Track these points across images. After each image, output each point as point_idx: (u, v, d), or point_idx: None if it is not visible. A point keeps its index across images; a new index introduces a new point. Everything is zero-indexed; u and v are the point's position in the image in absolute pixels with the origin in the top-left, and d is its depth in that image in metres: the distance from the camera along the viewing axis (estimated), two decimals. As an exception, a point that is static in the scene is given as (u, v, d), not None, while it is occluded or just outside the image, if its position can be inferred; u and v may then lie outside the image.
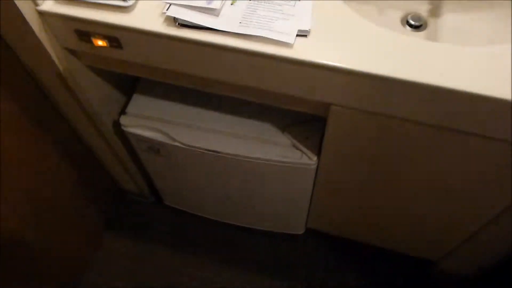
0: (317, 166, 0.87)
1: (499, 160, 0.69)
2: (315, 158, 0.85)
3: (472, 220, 0.88)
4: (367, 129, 0.73)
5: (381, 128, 0.71)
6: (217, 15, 0.63)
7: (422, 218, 0.95)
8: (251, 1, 0.65)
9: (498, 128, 0.61)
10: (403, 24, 0.79)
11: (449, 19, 0.79)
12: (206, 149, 0.90)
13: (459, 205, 0.86)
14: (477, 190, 0.79)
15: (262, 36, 0.61)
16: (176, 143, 0.92)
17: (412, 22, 0.78)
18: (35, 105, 0.87)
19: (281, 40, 0.60)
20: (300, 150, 0.86)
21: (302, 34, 0.61)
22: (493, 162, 0.70)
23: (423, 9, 0.81)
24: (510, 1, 0.72)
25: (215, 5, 0.63)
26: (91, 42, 0.72)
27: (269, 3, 0.64)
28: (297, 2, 0.64)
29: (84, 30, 0.70)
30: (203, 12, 0.63)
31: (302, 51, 0.60)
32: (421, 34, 0.78)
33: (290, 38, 0.60)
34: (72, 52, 0.78)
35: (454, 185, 0.80)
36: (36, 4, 0.67)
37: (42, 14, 0.69)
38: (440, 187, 0.82)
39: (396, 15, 0.80)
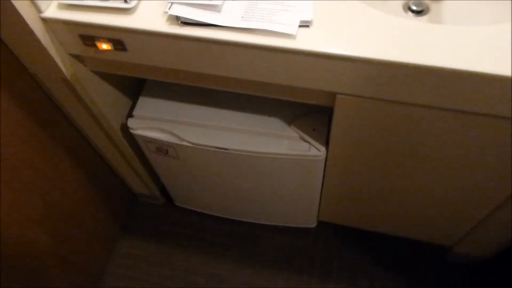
0: (326, 157, 0.87)
1: (507, 139, 0.69)
2: (323, 149, 0.85)
3: (484, 202, 0.88)
4: (374, 116, 0.73)
5: (389, 114, 0.71)
6: (219, 11, 0.64)
7: (434, 203, 0.95)
8: (252, -5, 0.65)
9: (506, 106, 0.61)
10: (405, 10, 0.79)
11: (451, 2, 0.78)
12: (214, 147, 0.91)
13: (470, 187, 0.85)
14: (487, 171, 0.79)
15: (264, 29, 0.61)
16: (184, 143, 0.92)
17: (414, 8, 0.78)
18: (43, 111, 0.88)
19: (283, 31, 0.60)
20: (308, 142, 0.86)
21: (304, 24, 0.61)
22: (502, 141, 0.70)
23: (424, -6, 0.81)
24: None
25: (216, 1, 0.63)
26: (95, 46, 0.72)
27: (270, -4, 0.64)
28: (298, -7, 0.64)
29: (88, 35, 0.70)
30: (205, 9, 0.64)
31: (305, 41, 0.60)
32: (423, 18, 0.78)
33: (293, 29, 0.60)
34: (78, 57, 0.79)
35: (464, 167, 0.80)
36: (40, 11, 0.68)
37: (46, 21, 0.69)
38: (450, 170, 0.82)
39: (397, 2, 0.80)
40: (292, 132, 0.88)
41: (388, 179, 0.91)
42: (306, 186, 1.00)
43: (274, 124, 0.89)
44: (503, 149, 0.71)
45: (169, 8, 0.64)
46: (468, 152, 0.76)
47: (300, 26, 0.61)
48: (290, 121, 0.89)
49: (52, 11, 0.69)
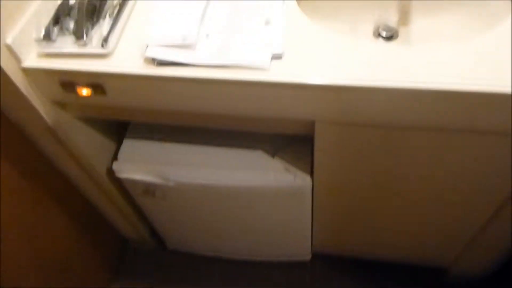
0: (312, 186, 0.87)
1: (490, 153, 0.70)
2: (308, 178, 0.86)
3: (474, 218, 0.87)
4: (355, 141, 0.73)
5: (369, 138, 0.72)
6: (194, 50, 0.66)
7: (425, 220, 0.94)
8: (224, 33, 0.67)
9: (483, 121, 0.62)
10: (375, 36, 0.82)
11: (418, 25, 0.82)
12: (200, 185, 0.91)
13: (459, 204, 0.85)
14: (474, 186, 0.79)
15: (238, 64, 0.63)
16: (170, 183, 0.92)
17: (384, 33, 0.81)
18: (28, 159, 0.88)
19: (256, 65, 0.62)
20: (293, 173, 0.87)
21: (276, 57, 0.63)
22: (484, 155, 0.71)
23: (392, 20, 0.84)
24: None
25: (190, 40, 0.65)
26: (76, 92, 0.73)
27: (241, 32, 0.67)
28: (268, 27, 0.66)
29: (68, 81, 0.72)
30: (180, 49, 0.66)
31: (278, 73, 0.62)
32: (394, 43, 0.81)
33: (265, 62, 0.62)
34: (59, 104, 0.80)
35: (451, 184, 0.80)
36: (20, 62, 0.70)
37: (26, 71, 0.71)
38: (438, 187, 0.82)
39: (367, 29, 0.83)
40: (277, 164, 0.88)
41: (377, 201, 0.91)
42: (296, 216, 0.99)
43: (258, 157, 0.90)
44: (486, 162, 0.72)
45: (145, 51, 0.66)
46: (453, 169, 0.76)
47: (272, 58, 0.63)
48: (274, 153, 0.89)
49: (32, 61, 0.70)
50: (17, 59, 0.69)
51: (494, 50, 0.60)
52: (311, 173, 0.86)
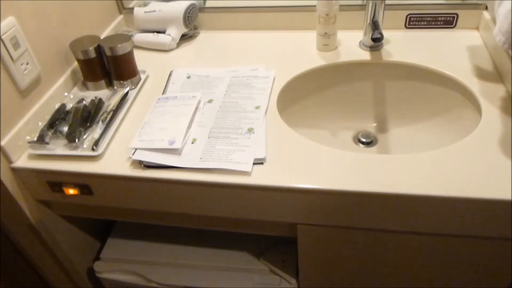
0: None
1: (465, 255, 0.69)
2: (293, 281, 0.83)
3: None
4: (338, 242, 0.73)
5: (351, 240, 0.72)
6: (180, 154, 0.68)
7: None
8: (209, 138, 0.71)
9: (459, 225, 0.63)
10: (355, 142, 0.87)
11: (395, 133, 0.87)
12: (183, 287, 0.88)
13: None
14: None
15: (221, 168, 0.65)
16: (152, 284, 0.89)
17: (363, 140, 0.86)
18: (4, 257, 0.86)
19: (239, 169, 0.64)
20: (278, 275, 0.84)
21: (258, 162, 0.66)
22: (456, 257, 0.70)
23: (371, 127, 0.89)
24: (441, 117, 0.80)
25: (177, 145, 0.69)
26: (62, 192, 0.75)
27: (226, 138, 0.70)
28: (252, 134, 0.70)
29: (56, 181, 0.73)
30: (166, 153, 0.69)
31: (260, 177, 0.64)
32: (373, 149, 0.85)
33: (247, 167, 0.65)
34: (44, 202, 0.81)
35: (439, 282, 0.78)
36: (10, 162, 0.72)
37: (16, 170, 0.73)
38: (423, 275, 0.79)
39: (347, 135, 0.88)
40: (262, 266, 0.86)
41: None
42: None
43: (242, 259, 0.88)
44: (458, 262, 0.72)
45: (133, 154, 0.69)
46: (440, 268, 0.75)
47: (254, 163, 0.66)
48: (258, 255, 0.88)
49: (22, 161, 0.73)
50: (8, 159, 0.71)
51: (464, 159, 0.64)
52: (297, 275, 0.84)
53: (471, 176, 0.61)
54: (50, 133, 0.74)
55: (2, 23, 0.69)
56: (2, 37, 0.68)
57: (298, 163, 0.66)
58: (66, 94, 0.84)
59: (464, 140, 0.67)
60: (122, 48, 0.82)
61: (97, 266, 0.92)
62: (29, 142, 0.73)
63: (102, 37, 0.97)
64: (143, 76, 0.88)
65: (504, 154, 0.64)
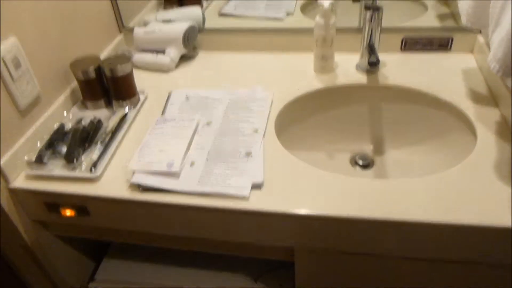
0: (295, 313, 0.84)
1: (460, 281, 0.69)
2: (290, 305, 0.83)
3: None
4: (335, 266, 0.73)
5: (346, 264, 0.72)
6: (178, 177, 0.68)
7: None
8: (208, 162, 0.71)
9: (456, 251, 0.63)
10: (352, 165, 0.87)
11: (392, 155, 0.87)
12: (178, 309, 0.87)
13: None
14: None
15: (219, 193, 0.65)
16: (147, 306, 0.88)
17: (360, 162, 0.86)
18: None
19: (236, 194, 0.65)
20: (275, 298, 0.84)
21: (256, 186, 0.66)
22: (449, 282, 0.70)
23: (368, 149, 0.90)
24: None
25: (175, 168, 0.69)
26: (59, 212, 0.74)
27: (224, 162, 0.70)
28: (250, 158, 0.71)
29: (53, 202, 0.73)
30: (165, 176, 0.69)
31: (257, 202, 0.64)
32: (370, 172, 0.85)
33: (245, 191, 0.65)
34: (41, 222, 0.80)
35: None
36: (8, 182, 0.71)
37: (13, 190, 0.72)
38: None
39: (344, 157, 0.88)
40: (259, 289, 0.86)
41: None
42: None
43: (239, 282, 0.87)
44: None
45: (131, 177, 0.69)
46: None
47: (252, 188, 0.66)
48: (256, 278, 0.87)
49: (20, 182, 0.72)
50: (6, 180, 0.71)
51: (461, 184, 0.64)
52: (294, 299, 0.83)
53: (469, 202, 0.61)
54: (48, 153, 0.74)
55: (5, 44, 0.69)
56: (4, 57, 0.68)
57: (296, 188, 0.66)
58: (65, 113, 0.85)
59: (461, 165, 0.67)
60: (122, 69, 0.82)
61: (92, 287, 0.91)
62: (27, 163, 0.72)
63: (102, 55, 0.98)
64: (142, 97, 0.89)
65: (500, 180, 0.64)
